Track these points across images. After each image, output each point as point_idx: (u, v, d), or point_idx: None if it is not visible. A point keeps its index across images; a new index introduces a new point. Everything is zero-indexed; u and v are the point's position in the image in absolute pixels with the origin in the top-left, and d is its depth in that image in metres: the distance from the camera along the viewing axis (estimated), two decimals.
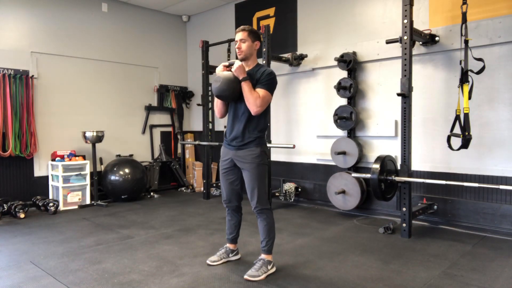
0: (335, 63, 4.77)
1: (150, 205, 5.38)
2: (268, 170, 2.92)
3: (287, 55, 5.31)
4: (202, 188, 6.15)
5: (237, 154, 2.81)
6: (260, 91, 2.70)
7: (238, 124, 2.81)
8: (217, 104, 2.92)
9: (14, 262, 3.13)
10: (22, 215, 4.61)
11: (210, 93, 5.89)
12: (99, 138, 5.43)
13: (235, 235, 3.07)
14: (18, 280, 2.77)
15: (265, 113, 2.85)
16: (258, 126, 2.80)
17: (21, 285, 2.68)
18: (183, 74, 7.13)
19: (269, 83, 2.74)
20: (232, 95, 2.75)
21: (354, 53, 4.72)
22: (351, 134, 4.76)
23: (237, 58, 2.87)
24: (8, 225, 4.32)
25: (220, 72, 2.79)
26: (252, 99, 2.67)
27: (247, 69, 2.82)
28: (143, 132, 6.53)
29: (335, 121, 4.76)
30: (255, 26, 5.88)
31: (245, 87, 2.69)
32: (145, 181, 5.81)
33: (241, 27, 2.82)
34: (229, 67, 2.80)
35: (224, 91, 2.72)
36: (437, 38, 4.08)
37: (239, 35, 2.79)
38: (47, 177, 5.36)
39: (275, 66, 5.30)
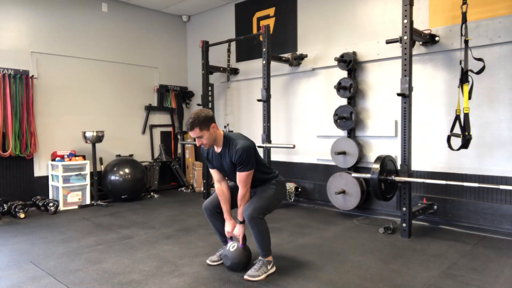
0: (335, 63, 4.77)
1: (150, 205, 5.38)
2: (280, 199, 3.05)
3: (287, 55, 5.31)
4: (202, 188, 6.15)
5: (252, 190, 2.91)
6: (241, 176, 2.73)
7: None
8: (213, 175, 2.96)
9: (14, 262, 3.13)
10: (22, 215, 4.61)
11: (210, 93, 5.89)
12: (99, 138, 5.43)
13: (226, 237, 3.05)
14: (18, 280, 2.77)
15: (259, 168, 2.85)
16: (260, 179, 2.88)
17: (21, 285, 2.68)
18: (183, 74, 7.13)
19: (246, 162, 2.69)
20: (243, 267, 2.86)
21: (354, 53, 4.72)
22: (351, 134, 4.76)
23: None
24: (8, 225, 4.32)
25: (230, 247, 2.88)
26: (247, 193, 2.80)
27: (219, 150, 2.79)
28: (143, 132, 6.53)
29: (335, 121, 4.76)
30: (255, 26, 5.88)
31: (242, 209, 2.78)
32: (145, 181, 5.81)
33: (189, 124, 2.63)
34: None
35: (236, 268, 2.86)
36: (437, 38, 4.08)
37: (193, 134, 2.67)
38: (47, 177, 5.36)
39: (275, 66, 5.31)
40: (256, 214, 2.72)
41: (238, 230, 2.85)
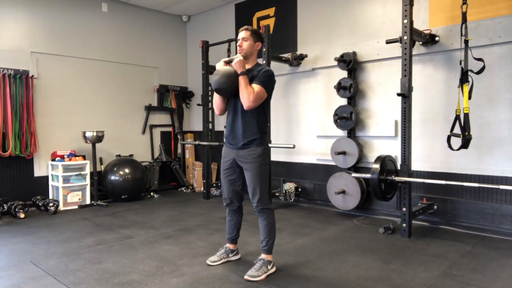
0: (335, 63, 4.77)
1: (150, 205, 5.38)
2: (269, 170, 2.97)
3: (287, 55, 5.31)
4: (202, 188, 6.15)
5: (239, 153, 2.82)
6: (255, 87, 2.71)
7: (237, 124, 2.81)
8: (216, 100, 2.92)
9: (14, 262, 3.13)
10: (22, 215, 4.61)
11: (210, 93, 5.89)
12: (99, 138, 5.43)
13: (235, 235, 3.07)
14: (18, 280, 2.77)
15: (265, 113, 2.86)
16: (258, 126, 2.80)
17: (21, 285, 2.68)
18: (183, 74, 7.13)
19: (265, 80, 2.73)
20: (230, 88, 2.75)
21: (354, 53, 4.72)
22: (351, 134, 4.76)
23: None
24: (8, 225, 4.32)
25: (220, 66, 2.81)
26: (246, 93, 2.68)
27: (248, 66, 2.84)
28: (143, 132, 6.53)
29: (335, 121, 4.76)
30: (255, 26, 5.88)
31: (242, 81, 2.70)
32: (145, 181, 5.81)
33: (245, 26, 2.87)
34: (229, 63, 2.82)
35: (222, 84, 2.73)
36: (437, 38, 4.08)
37: (242, 34, 2.83)
38: (47, 177, 5.36)
39: (275, 66, 5.30)
40: (264, 204, 2.79)
41: (239, 59, 2.73)
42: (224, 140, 3.00)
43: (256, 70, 2.79)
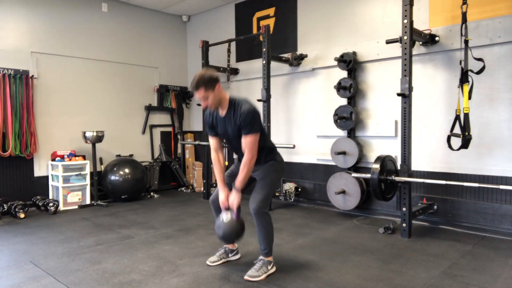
0: (335, 63, 4.77)
1: (150, 205, 5.38)
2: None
3: (287, 55, 5.31)
4: (202, 188, 6.15)
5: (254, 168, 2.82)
6: (246, 140, 2.66)
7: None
8: (213, 145, 2.93)
9: (14, 262, 3.13)
10: (22, 215, 4.61)
11: None
12: (99, 138, 5.43)
13: None
14: (18, 280, 2.77)
15: (265, 139, 2.83)
16: (263, 152, 2.81)
17: (21, 285, 2.68)
18: (183, 74, 7.13)
19: (251, 125, 2.64)
20: (237, 238, 2.80)
21: (354, 53, 4.72)
22: (351, 134, 4.76)
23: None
24: (8, 225, 4.32)
25: (221, 217, 2.77)
26: (252, 162, 2.69)
27: (224, 112, 2.74)
28: (143, 132, 6.53)
29: (335, 121, 4.76)
30: (255, 26, 5.88)
31: (241, 184, 2.71)
32: (145, 181, 5.81)
33: (194, 84, 2.62)
34: (228, 208, 2.79)
35: (228, 237, 2.79)
36: (437, 38, 4.08)
37: (199, 94, 2.64)
38: (47, 177, 5.36)
39: (275, 66, 5.31)
40: (262, 207, 2.73)
41: (233, 198, 2.71)
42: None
43: (236, 115, 2.68)
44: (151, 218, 4.59)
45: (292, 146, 4.64)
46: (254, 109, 2.69)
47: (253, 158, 2.69)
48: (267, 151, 2.85)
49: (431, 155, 4.22)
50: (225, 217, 2.74)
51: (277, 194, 5.33)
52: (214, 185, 5.96)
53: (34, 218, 4.65)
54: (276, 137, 5.52)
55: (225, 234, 2.74)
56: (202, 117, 5.84)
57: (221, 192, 2.79)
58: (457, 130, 3.68)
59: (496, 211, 3.80)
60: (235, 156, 3.01)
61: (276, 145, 5.11)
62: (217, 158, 2.90)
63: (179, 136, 6.94)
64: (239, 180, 2.71)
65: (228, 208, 2.76)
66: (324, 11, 5.11)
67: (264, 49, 4.83)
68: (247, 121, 2.63)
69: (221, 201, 2.77)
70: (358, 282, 2.67)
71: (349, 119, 4.64)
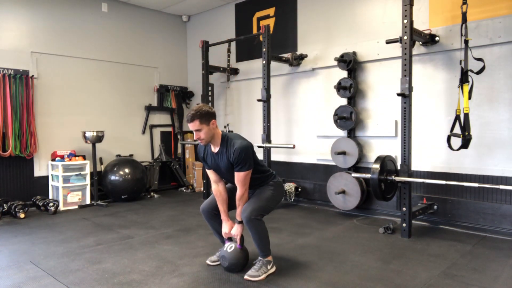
0: (335, 63, 4.77)
1: (150, 205, 5.38)
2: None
3: (287, 55, 5.31)
4: (202, 188, 6.14)
5: (250, 191, 2.88)
6: (240, 176, 2.71)
7: None
8: (212, 177, 2.95)
9: (14, 262, 3.13)
10: (22, 215, 4.61)
11: (210, 93, 5.89)
12: (99, 138, 5.43)
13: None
14: (18, 280, 2.77)
15: (256, 169, 2.82)
16: (258, 177, 2.84)
17: (21, 285, 2.68)
18: (183, 74, 7.13)
19: (244, 162, 2.68)
20: (241, 268, 2.85)
21: (354, 53, 4.72)
22: (351, 134, 4.76)
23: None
24: (8, 225, 4.32)
25: (227, 248, 2.86)
26: (245, 197, 2.77)
27: (216, 149, 2.78)
28: (143, 132, 6.53)
29: (335, 121, 4.76)
30: (255, 26, 5.88)
31: (241, 209, 2.77)
32: (145, 181, 5.81)
33: (190, 115, 2.64)
34: (231, 238, 2.89)
35: (234, 268, 2.84)
36: (437, 38, 4.08)
37: (193, 126, 2.66)
38: (47, 177, 5.36)
39: (275, 66, 5.31)
40: (254, 215, 2.71)
41: (236, 230, 2.83)
42: None
43: (230, 152, 2.70)
44: (151, 218, 4.59)
45: (292, 146, 4.64)
46: (247, 145, 2.72)
47: (246, 191, 2.79)
48: (263, 178, 2.90)
49: (431, 155, 4.22)
50: (229, 246, 2.85)
51: None
52: None
53: (34, 218, 4.65)
54: (276, 137, 5.52)
55: (230, 263, 2.83)
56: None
57: (225, 224, 2.89)
58: (457, 130, 3.68)
59: (496, 211, 3.80)
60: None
61: (276, 145, 5.12)
62: (218, 190, 2.92)
63: (179, 136, 6.94)
64: (238, 213, 2.80)
65: (231, 239, 2.88)
66: (324, 11, 5.11)
67: (264, 49, 4.83)
68: (240, 158, 2.67)
69: (224, 232, 2.89)
70: (358, 282, 2.67)
71: (349, 119, 4.64)
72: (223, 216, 2.90)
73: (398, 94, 3.63)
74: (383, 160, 3.74)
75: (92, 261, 3.12)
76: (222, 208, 2.89)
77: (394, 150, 4.39)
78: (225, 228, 2.87)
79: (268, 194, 2.84)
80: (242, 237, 2.86)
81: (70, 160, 5.29)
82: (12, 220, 4.57)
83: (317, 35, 5.20)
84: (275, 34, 5.55)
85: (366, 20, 4.72)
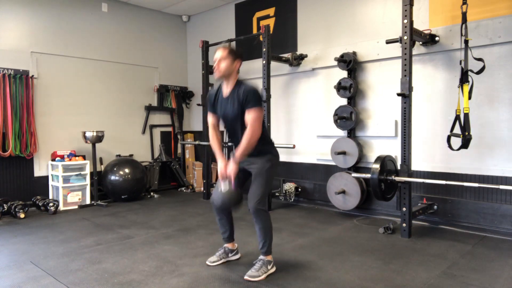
0: (335, 63, 4.77)
1: (150, 205, 5.38)
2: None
3: (287, 55, 5.31)
4: (202, 188, 6.15)
5: (248, 160, 2.82)
6: (251, 114, 2.66)
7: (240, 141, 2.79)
8: (211, 132, 2.94)
9: (14, 262, 3.13)
10: (22, 215, 4.61)
11: None
12: (99, 138, 5.43)
13: (229, 232, 3.04)
14: (18, 280, 2.77)
15: (263, 128, 2.82)
16: (260, 142, 2.79)
17: (21, 285, 2.68)
18: (183, 74, 7.13)
19: (256, 100, 2.68)
20: (235, 206, 2.81)
21: (354, 53, 4.72)
22: (351, 134, 4.76)
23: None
24: (8, 225, 4.32)
25: (220, 186, 2.78)
26: (252, 139, 2.67)
27: (228, 90, 2.78)
28: (143, 132, 6.53)
29: (335, 121, 4.76)
30: (255, 26, 5.89)
31: (241, 155, 2.70)
32: (145, 181, 5.81)
33: (222, 44, 2.76)
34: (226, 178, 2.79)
35: (227, 206, 2.82)
36: (437, 38, 4.08)
37: (219, 53, 2.71)
38: (47, 177, 5.36)
39: (275, 66, 5.30)
40: (260, 205, 2.74)
41: (231, 168, 2.71)
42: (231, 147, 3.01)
43: (240, 93, 2.71)
44: (151, 218, 4.59)
45: (292, 146, 4.64)
46: (259, 90, 2.76)
47: (254, 133, 2.67)
48: (265, 141, 2.85)
49: (431, 155, 4.22)
50: (223, 187, 2.76)
51: (277, 194, 5.33)
52: (214, 185, 5.95)
53: (34, 218, 4.65)
54: (276, 137, 5.52)
55: (224, 203, 2.77)
56: (202, 117, 5.85)
57: (220, 161, 2.82)
58: (457, 130, 3.68)
59: (496, 211, 3.80)
60: (229, 143, 3.01)
61: (276, 145, 5.13)
62: (214, 134, 2.94)
63: (179, 136, 6.94)
64: (239, 152, 2.71)
65: (226, 178, 2.77)
66: (324, 11, 5.11)
67: (264, 49, 4.83)
68: (251, 96, 2.68)
69: (220, 169, 2.79)
70: (358, 282, 2.67)
71: (349, 119, 4.64)
72: (218, 154, 2.86)
73: (398, 94, 3.64)
74: (383, 160, 3.74)
75: (92, 261, 3.12)
76: (216, 146, 2.89)
77: (394, 150, 4.39)
78: (220, 166, 2.78)
79: (268, 174, 2.81)
80: (237, 178, 2.77)
81: (70, 160, 5.29)
82: (12, 220, 4.57)
83: (317, 35, 5.20)
84: (275, 34, 5.55)
85: (366, 20, 4.72)
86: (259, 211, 2.74)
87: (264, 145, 2.85)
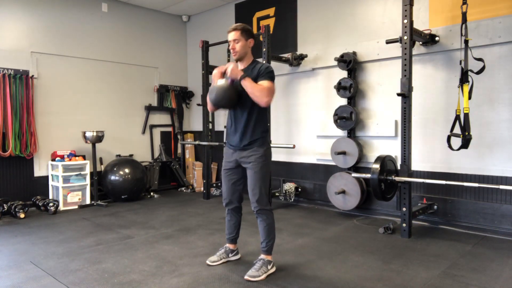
0: (335, 63, 4.77)
1: (150, 205, 5.38)
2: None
3: (287, 55, 5.31)
4: (202, 188, 6.15)
5: (241, 154, 2.82)
6: (264, 83, 2.68)
7: (239, 126, 2.81)
8: (209, 102, 2.90)
9: (14, 262, 3.13)
10: (22, 215, 4.61)
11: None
12: (99, 138, 5.43)
13: (234, 235, 3.06)
14: (18, 280, 2.77)
15: (264, 114, 2.86)
16: (259, 127, 2.80)
17: (21, 285, 2.68)
18: (183, 74, 7.13)
19: (270, 75, 2.72)
20: (229, 103, 2.76)
21: (354, 53, 4.72)
22: (351, 134, 4.76)
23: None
24: (8, 225, 4.32)
25: (215, 82, 2.75)
26: (259, 91, 2.64)
27: (242, 67, 2.82)
28: (143, 132, 6.53)
29: (335, 121, 4.76)
30: (255, 26, 5.89)
31: (247, 84, 2.65)
32: (145, 181, 5.81)
33: (233, 25, 2.78)
34: (224, 73, 2.75)
35: (220, 101, 2.73)
36: (437, 38, 4.08)
37: (232, 35, 2.75)
38: (47, 177, 5.36)
39: (275, 66, 5.25)
40: (263, 205, 2.76)
41: (232, 67, 2.67)
42: (225, 141, 3.00)
43: (255, 69, 2.76)
44: (151, 218, 4.59)
45: (292, 146, 4.64)
46: (273, 71, 2.78)
47: (263, 92, 2.62)
48: (263, 128, 2.84)
49: (431, 155, 4.22)
50: (219, 81, 2.72)
51: (277, 194, 5.33)
52: (214, 185, 5.96)
53: (34, 218, 4.65)
54: (276, 137, 5.52)
55: (217, 97, 2.71)
56: (202, 117, 5.85)
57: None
58: (457, 130, 3.68)
59: (496, 211, 3.80)
60: (225, 141, 2.98)
61: (276, 145, 5.14)
62: None
63: (179, 136, 6.94)
64: (248, 81, 2.64)
65: (224, 74, 2.73)
66: (324, 11, 5.11)
67: (264, 49, 4.83)
68: (266, 71, 2.70)
69: (218, 69, 2.78)
70: (358, 282, 2.67)
71: (349, 119, 4.64)
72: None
73: (398, 94, 3.64)
74: (383, 160, 3.74)
75: (92, 261, 3.12)
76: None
77: (394, 150, 4.39)
78: (219, 68, 2.78)
79: (264, 170, 2.79)
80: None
81: (70, 160, 5.29)
82: (12, 220, 4.57)
83: (317, 35, 5.20)
84: (275, 34, 5.55)
85: (366, 20, 4.72)
86: (262, 210, 2.77)
87: (262, 133, 2.83)
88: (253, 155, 2.78)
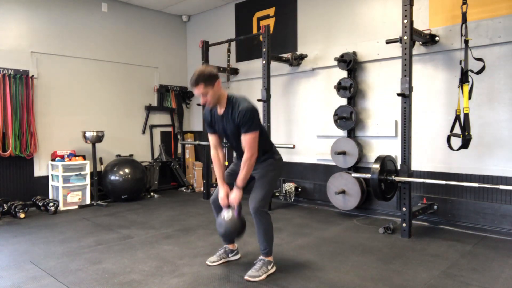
0: (335, 63, 4.77)
1: (150, 205, 5.38)
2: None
3: (287, 55, 5.31)
4: (202, 188, 6.15)
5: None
6: (246, 138, 2.64)
7: (242, 154, 2.77)
8: (213, 142, 2.93)
9: (14, 262, 3.13)
10: (22, 215, 4.61)
11: None
12: (99, 138, 5.43)
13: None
14: (18, 280, 2.77)
15: (263, 137, 2.79)
16: (261, 150, 2.78)
17: (21, 285, 2.68)
18: (183, 74, 7.13)
19: (250, 122, 2.62)
20: (239, 235, 2.84)
21: (354, 53, 4.72)
22: (351, 134, 4.76)
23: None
24: (8, 225, 4.32)
25: (222, 216, 2.77)
26: (252, 160, 2.67)
27: (222, 110, 2.73)
28: (143, 132, 6.53)
29: (335, 121, 4.76)
30: (255, 26, 5.88)
31: (243, 182, 2.71)
32: (145, 181, 5.81)
33: (194, 79, 2.59)
34: (229, 206, 2.77)
35: (231, 233, 2.82)
36: (437, 38, 4.08)
37: (197, 91, 2.61)
38: (47, 177, 5.36)
39: (275, 66, 5.31)
40: (261, 206, 2.73)
41: (234, 196, 2.71)
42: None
43: (235, 111, 2.65)
44: (151, 218, 4.59)
45: (292, 146, 4.64)
46: (253, 107, 2.67)
47: (253, 156, 2.68)
48: (266, 149, 2.85)
49: (431, 155, 4.22)
50: (226, 215, 2.74)
51: (277, 194, 5.33)
52: (214, 185, 5.96)
53: (34, 218, 4.65)
54: (276, 137, 5.52)
55: (226, 231, 2.77)
56: (202, 116, 5.85)
57: (221, 189, 2.80)
58: (457, 130, 3.68)
59: (496, 211, 3.80)
60: (234, 154, 3.02)
61: (276, 145, 5.13)
62: (216, 156, 2.90)
63: (179, 136, 6.94)
64: (240, 178, 2.71)
65: (229, 206, 2.76)
66: (324, 11, 5.11)
67: (264, 49, 4.83)
68: (246, 119, 2.61)
69: (221, 198, 2.77)
70: (358, 282, 2.67)
71: (349, 119, 4.64)
72: (219, 181, 2.82)
73: (398, 94, 3.64)
74: (383, 160, 3.74)
75: (92, 261, 3.12)
76: (219, 173, 2.84)
77: (394, 150, 4.39)
78: (221, 193, 2.77)
79: (270, 177, 2.80)
80: (240, 205, 2.75)
81: (70, 160, 5.29)
82: (12, 220, 4.57)
83: (317, 35, 5.20)
84: (275, 34, 5.55)
85: (366, 20, 4.72)
86: (260, 212, 2.73)
87: (265, 153, 2.84)
88: (262, 165, 2.80)
